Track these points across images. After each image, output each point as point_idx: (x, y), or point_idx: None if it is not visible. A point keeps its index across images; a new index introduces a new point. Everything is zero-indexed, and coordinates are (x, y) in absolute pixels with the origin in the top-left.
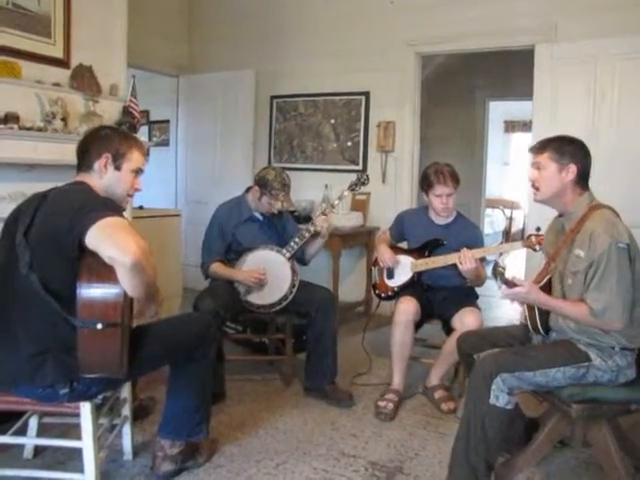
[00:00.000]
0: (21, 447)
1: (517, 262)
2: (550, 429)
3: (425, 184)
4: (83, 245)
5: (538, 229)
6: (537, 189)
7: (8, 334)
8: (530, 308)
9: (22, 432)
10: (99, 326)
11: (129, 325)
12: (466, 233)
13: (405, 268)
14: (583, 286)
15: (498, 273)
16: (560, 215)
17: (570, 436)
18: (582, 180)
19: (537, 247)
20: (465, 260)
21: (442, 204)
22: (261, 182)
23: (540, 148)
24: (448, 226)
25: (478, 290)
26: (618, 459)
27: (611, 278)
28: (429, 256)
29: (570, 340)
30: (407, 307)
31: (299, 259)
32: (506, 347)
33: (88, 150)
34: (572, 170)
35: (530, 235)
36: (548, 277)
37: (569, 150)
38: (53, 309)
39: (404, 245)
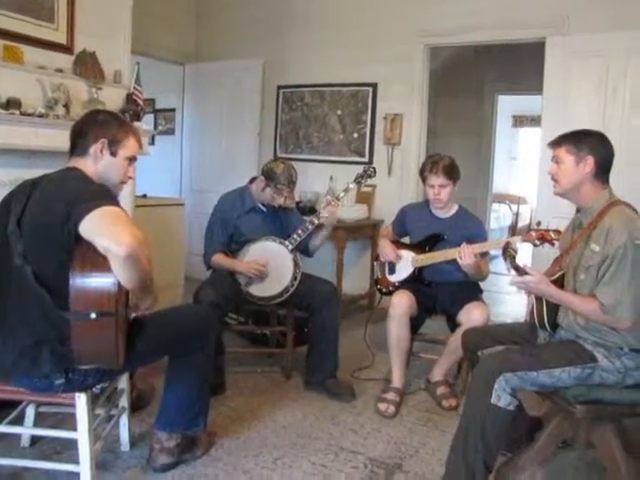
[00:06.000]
0: (18, 436)
1: (524, 258)
2: (553, 429)
3: (421, 173)
4: (78, 234)
5: (538, 223)
6: (556, 181)
7: (4, 325)
8: (538, 301)
9: (19, 421)
10: (93, 315)
11: (125, 316)
12: (468, 227)
13: (406, 263)
14: (595, 281)
15: (509, 255)
16: (578, 211)
17: (574, 437)
18: (602, 172)
19: (537, 242)
20: (464, 255)
21: (434, 194)
22: (268, 174)
23: (558, 142)
24: (449, 220)
25: (482, 285)
26: (622, 461)
27: (624, 275)
28: (430, 251)
29: (576, 340)
30: (401, 300)
31: (303, 250)
32: (511, 345)
33: (84, 134)
34: (589, 162)
35: (530, 230)
36: (561, 273)
37: (586, 142)
38: (47, 300)
39: (407, 240)
